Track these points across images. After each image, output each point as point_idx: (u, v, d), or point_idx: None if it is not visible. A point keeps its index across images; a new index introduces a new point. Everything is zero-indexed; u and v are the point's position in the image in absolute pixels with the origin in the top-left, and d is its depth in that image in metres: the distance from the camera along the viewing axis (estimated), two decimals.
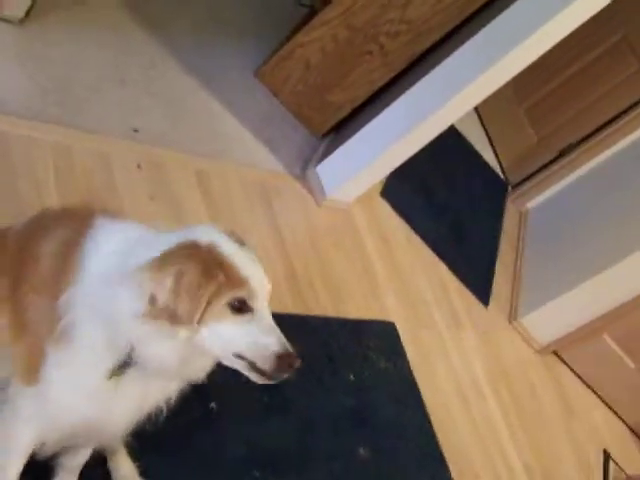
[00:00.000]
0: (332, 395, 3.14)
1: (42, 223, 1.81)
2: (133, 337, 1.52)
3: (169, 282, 1.46)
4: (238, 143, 3.89)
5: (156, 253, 1.52)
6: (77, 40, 3.40)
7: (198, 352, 1.55)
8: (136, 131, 3.32)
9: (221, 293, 1.49)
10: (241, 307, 1.52)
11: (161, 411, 1.77)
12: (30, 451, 1.79)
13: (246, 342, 1.52)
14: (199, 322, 1.48)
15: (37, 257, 1.68)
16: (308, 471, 2.78)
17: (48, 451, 1.84)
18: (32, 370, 1.65)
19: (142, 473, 2.25)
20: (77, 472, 2.06)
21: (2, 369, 1.76)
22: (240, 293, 1.51)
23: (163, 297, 1.46)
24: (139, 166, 3.18)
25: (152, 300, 1.47)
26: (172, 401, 1.75)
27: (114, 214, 1.77)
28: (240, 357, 1.54)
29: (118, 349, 1.55)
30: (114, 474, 2.20)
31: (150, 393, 1.71)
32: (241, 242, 1.62)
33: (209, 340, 1.52)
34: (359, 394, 3.29)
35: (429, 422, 3.51)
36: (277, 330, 1.54)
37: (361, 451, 3.04)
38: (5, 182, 2.67)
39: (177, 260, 1.49)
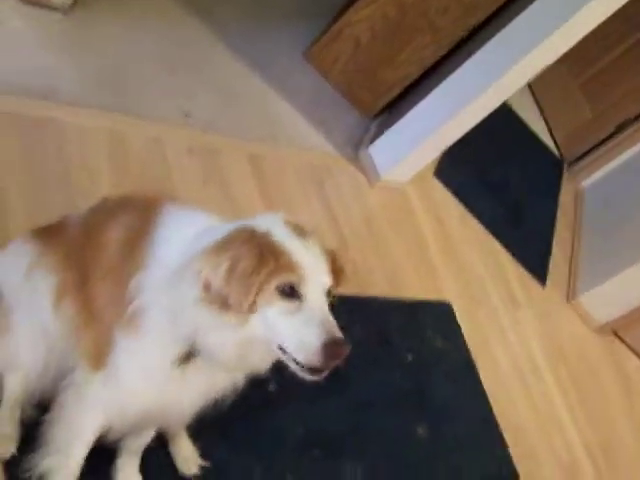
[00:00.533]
0: (389, 375, 3.13)
1: (105, 211, 1.82)
2: (193, 325, 1.52)
3: (223, 268, 1.46)
4: (289, 126, 3.89)
5: (214, 240, 1.52)
6: (125, 28, 3.44)
7: (256, 342, 1.54)
8: (187, 116, 3.33)
9: (272, 277, 1.47)
10: (291, 292, 1.50)
11: (226, 398, 1.78)
12: (95, 437, 1.81)
13: (288, 334, 1.50)
14: (251, 309, 1.48)
15: (104, 245, 1.69)
16: (366, 451, 2.78)
17: (114, 436, 1.86)
18: (100, 356, 1.67)
19: (202, 455, 2.28)
20: (139, 454, 2.08)
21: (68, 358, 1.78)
22: (290, 277, 1.49)
23: (216, 283, 1.46)
24: (191, 151, 3.19)
25: (207, 286, 1.47)
26: (238, 389, 1.76)
27: (181, 202, 1.78)
28: (283, 350, 1.52)
29: (182, 337, 1.56)
30: (175, 456, 2.23)
31: (217, 381, 1.72)
32: (303, 232, 1.59)
33: (259, 327, 1.51)
34: (416, 374, 3.27)
35: (487, 401, 3.48)
36: (325, 320, 1.51)
37: (419, 430, 3.03)
38: (59, 170, 2.71)
39: (231, 246, 1.49)
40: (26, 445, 1.88)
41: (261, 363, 1.63)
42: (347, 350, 1.49)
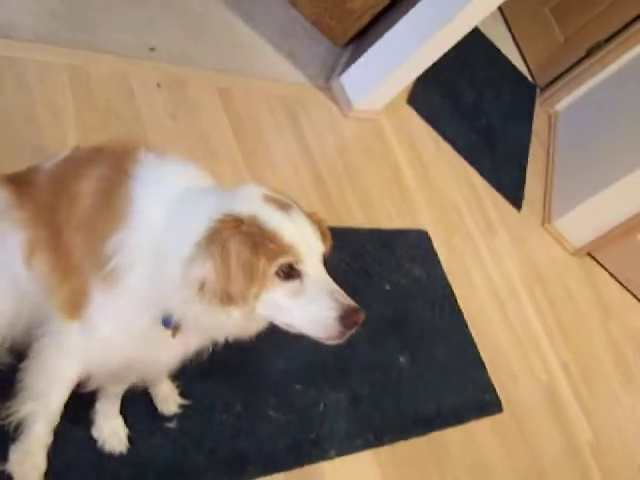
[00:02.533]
0: (368, 306, 3.11)
1: (77, 162, 1.74)
2: (184, 315, 1.52)
3: (217, 264, 1.42)
4: (259, 57, 3.82)
5: (199, 227, 1.46)
6: None
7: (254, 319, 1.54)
8: (153, 49, 3.25)
9: (269, 263, 1.45)
10: (290, 272, 1.48)
11: (208, 350, 1.78)
12: (73, 384, 1.79)
13: (300, 315, 1.50)
14: (255, 298, 1.46)
15: (77, 196, 1.62)
16: (349, 382, 2.80)
17: (94, 386, 1.85)
18: (76, 307, 1.64)
19: (182, 393, 2.28)
20: (119, 397, 2.08)
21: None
22: (286, 259, 1.46)
23: (212, 280, 1.42)
24: (159, 85, 3.13)
25: (201, 286, 1.43)
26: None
27: (157, 150, 1.70)
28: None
29: (165, 303, 1.54)
30: (154, 396, 2.23)
31: (199, 336, 1.70)
32: (285, 206, 1.54)
33: (264, 311, 1.50)
34: (395, 303, 3.29)
35: (466, 327, 3.51)
36: (333, 291, 1.50)
37: (401, 359, 3.06)
38: (23, 109, 2.64)
39: (221, 239, 1.43)
40: (3, 392, 1.86)
41: (256, 330, 1.63)
42: (363, 316, 1.49)
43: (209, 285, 1.42)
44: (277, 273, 1.46)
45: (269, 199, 1.54)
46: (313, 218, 1.59)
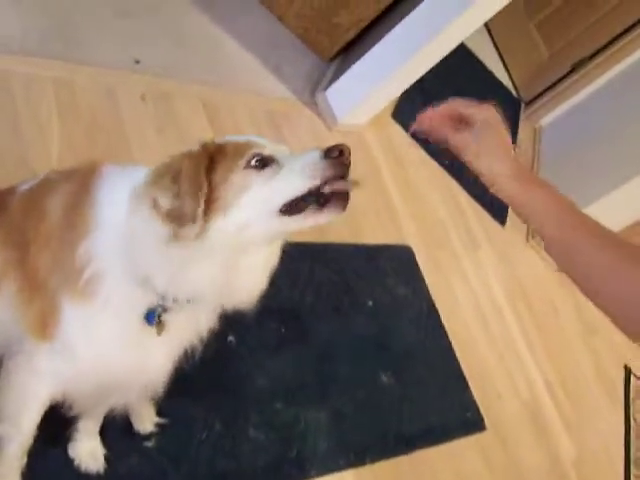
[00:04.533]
0: (351, 323, 3.12)
1: (45, 184, 1.72)
2: (161, 266, 1.44)
3: (166, 182, 1.39)
4: (245, 70, 3.81)
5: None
6: None
7: (242, 255, 1.45)
8: (138, 62, 3.23)
9: (233, 164, 1.41)
10: (264, 161, 1.42)
11: (192, 356, 1.73)
12: (46, 406, 1.75)
13: (283, 187, 1.40)
14: (213, 212, 1.39)
15: (44, 213, 1.60)
16: (330, 400, 2.78)
17: (75, 408, 1.81)
18: (47, 326, 1.60)
19: (163, 411, 2.25)
20: (100, 419, 2.06)
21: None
22: (252, 150, 1.43)
23: (165, 199, 1.38)
24: (143, 98, 3.11)
25: (155, 205, 1.38)
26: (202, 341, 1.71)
27: (121, 163, 1.68)
28: (289, 206, 1.41)
29: (151, 291, 1.48)
30: (132, 414, 2.19)
31: (184, 338, 1.67)
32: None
33: (243, 215, 1.40)
34: (378, 320, 3.27)
35: (450, 345, 3.50)
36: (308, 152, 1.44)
37: (383, 377, 3.04)
38: (8, 122, 2.61)
39: (173, 161, 1.42)
40: None
41: (252, 285, 1.53)
42: (346, 147, 1.42)
43: (161, 204, 1.38)
44: (250, 166, 1.42)
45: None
46: None
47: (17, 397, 1.72)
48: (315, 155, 1.41)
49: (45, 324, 1.60)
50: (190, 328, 1.66)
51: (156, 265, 1.45)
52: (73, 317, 1.57)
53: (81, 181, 1.60)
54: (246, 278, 1.50)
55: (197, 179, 1.38)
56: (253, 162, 1.42)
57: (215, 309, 1.64)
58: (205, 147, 1.44)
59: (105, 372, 1.64)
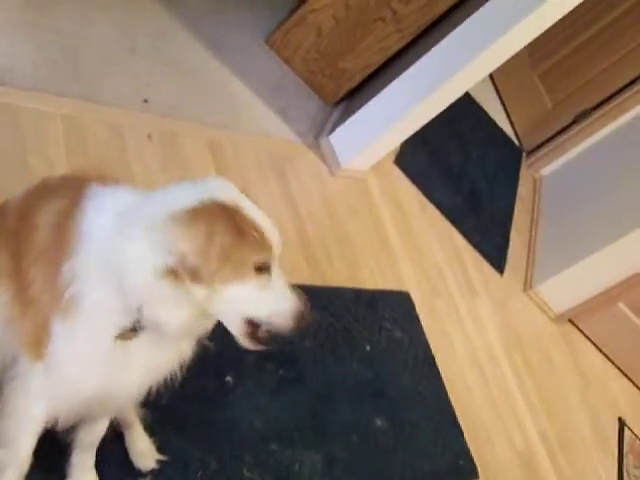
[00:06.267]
0: (348, 366, 3.13)
1: (39, 194, 1.74)
2: (145, 296, 1.47)
3: (200, 240, 1.42)
4: (250, 112, 3.85)
5: (177, 207, 1.45)
6: (85, 9, 3.36)
7: (208, 313, 1.54)
8: (146, 101, 3.28)
9: (252, 254, 1.47)
10: (263, 268, 1.50)
11: (175, 376, 1.75)
12: (42, 427, 1.77)
13: (262, 307, 1.52)
14: (221, 283, 1.45)
15: (35, 229, 1.63)
16: (325, 443, 2.77)
17: (63, 425, 1.81)
18: (39, 345, 1.62)
19: (159, 448, 2.25)
20: (94, 448, 2.04)
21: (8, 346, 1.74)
22: (268, 256, 1.51)
23: (192, 255, 1.41)
24: (150, 137, 3.15)
25: (181, 258, 1.41)
26: (186, 365, 1.73)
27: (110, 181, 1.70)
28: (250, 322, 1.53)
29: (128, 312, 1.51)
30: (131, 450, 2.20)
31: (162, 357, 1.68)
32: (254, 201, 1.58)
33: (226, 301, 1.49)
34: (375, 365, 3.27)
35: (445, 391, 3.50)
36: (290, 291, 1.55)
37: (378, 422, 3.03)
38: (15, 156, 2.64)
39: (208, 217, 1.44)
40: None
41: (204, 329, 1.64)
42: (309, 315, 1.54)
43: (188, 259, 1.41)
44: (255, 266, 1.48)
45: (243, 192, 1.58)
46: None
47: (14, 421, 1.74)
48: (290, 310, 1.54)
49: (38, 342, 1.62)
50: (168, 352, 1.69)
51: (139, 292, 1.48)
52: (59, 335, 1.59)
53: (69, 198, 1.62)
54: (203, 324, 1.61)
55: (231, 253, 1.44)
56: (261, 266, 1.50)
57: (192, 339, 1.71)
58: (237, 214, 1.48)
59: (84, 389, 1.66)
